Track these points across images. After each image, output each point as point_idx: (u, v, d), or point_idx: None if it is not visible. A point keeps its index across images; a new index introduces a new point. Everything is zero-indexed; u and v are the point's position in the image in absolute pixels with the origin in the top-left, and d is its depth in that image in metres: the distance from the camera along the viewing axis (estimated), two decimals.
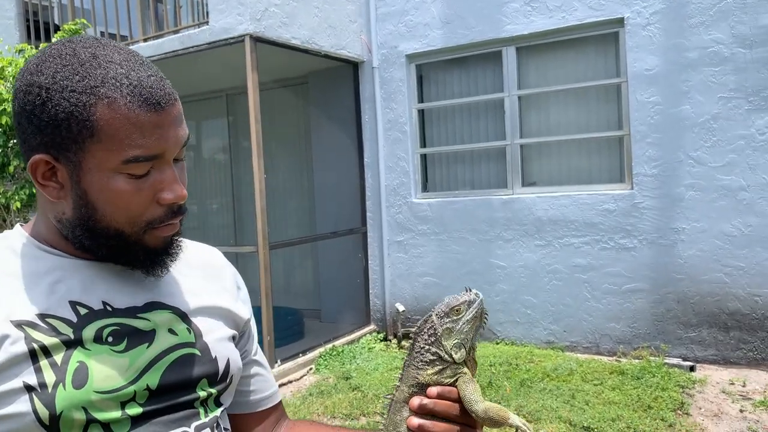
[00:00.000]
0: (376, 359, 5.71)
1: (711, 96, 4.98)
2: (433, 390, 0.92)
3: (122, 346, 0.85)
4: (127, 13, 6.19)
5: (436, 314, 0.95)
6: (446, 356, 0.93)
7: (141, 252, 0.88)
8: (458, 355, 0.93)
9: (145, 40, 6.04)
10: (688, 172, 5.11)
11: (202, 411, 0.91)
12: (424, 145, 6.49)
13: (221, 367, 0.94)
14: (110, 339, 0.84)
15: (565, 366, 5.03)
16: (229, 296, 1.03)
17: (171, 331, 0.90)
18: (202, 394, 0.91)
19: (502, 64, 5.93)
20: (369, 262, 6.73)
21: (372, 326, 6.70)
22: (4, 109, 4.66)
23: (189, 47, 5.55)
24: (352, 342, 6.25)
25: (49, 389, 0.78)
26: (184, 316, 0.93)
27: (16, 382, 0.78)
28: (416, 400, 0.91)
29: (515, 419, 0.91)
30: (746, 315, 4.95)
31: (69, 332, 0.82)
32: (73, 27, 5.22)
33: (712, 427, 4.00)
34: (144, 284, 0.92)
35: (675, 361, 5.06)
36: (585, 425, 3.95)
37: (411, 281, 6.44)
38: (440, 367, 0.93)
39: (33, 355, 0.79)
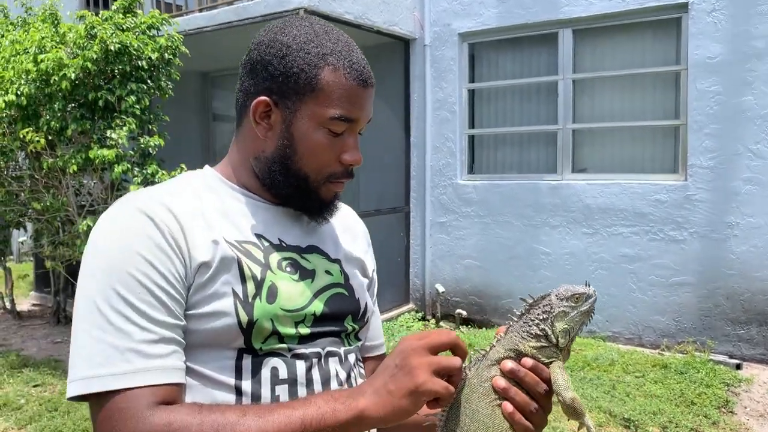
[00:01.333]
0: None
1: None
2: (528, 361, 0.94)
3: (297, 276, 1.02)
4: None
5: (556, 295, 0.98)
6: (552, 336, 0.95)
7: (315, 200, 1.05)
8: (562, 340, 0.95)
9: (200, 11, 6.09)
10: (746, 165, 4.95)
11: (346, 341, 1.07)
12: (472, 126, 6.42)
13: (362, 307, 1.11)
14: (288, 269, 1.01)
15: (607, 356, 4.98)
16: (362, 250, 1.20)
17: (327, 272, 1.07)
18: (348, 327, 1.07)
19: (557, 46, 5.81)
20: (410, 241, 6.73)
21: (411, 305, 6.72)
22: (65, 74, 4.76)
23: (244, 19, 5.58)
24: (390, 320, 6.29)
25: (250, 299, 0.94)
26: (335, 261, 1.11)
27: (225, 287, 0.93)
28: (510, 364, 0.94)
29: (589, 420, 0.94)
30: None
31: (261, 257, 0.99)
32: None
33: (758, 428, 3.91)
34: (306, 229, 1.09)
35: (721, 358, 4.96)
36: (625, 417, 3.90)
37: (452, 263, 6.42)
38: (542, 344, 0.95)
39: (240, 267, 0.95)
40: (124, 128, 4.88)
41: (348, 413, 0.86)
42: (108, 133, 4.88)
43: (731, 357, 4.99)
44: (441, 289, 6.43)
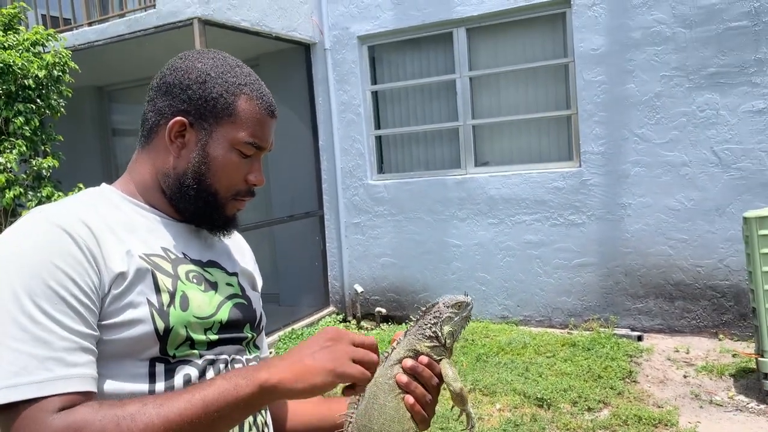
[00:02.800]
0: None
1: (654, 75, 5.13)
2: (424, 358, 1.10)
3: (203, 287, 1.07)
4: None
5: (443, 303, 1.15)
6: (441, 338, 1.11)
7: (221, 215, 1.12)
8: (449, 340, 1.12)
9: (89, 24, 5.88)
10: (633, 149, 5.28)
11: (248, 349, 1.15)
12: (378, 126, 6.52)
13: (257, 316, 1.19)
14: (194, 280, 1.07)
15: (519, 340, 5.18)
16: (251, 265, 1.29)
17: (228, 284, 1.14)
18: (248, 335, 1.14)
19: (453, 45, 5.98)
20: (327, 244, 6.76)
21: (331, 308, 6.75)
22: None
23: (136, 31, 5.44)
24: (311, 324, 6.30)
25: (165, 307, 0.99)
26: (233, 275, 1.18)
27: (141, 296, 0.97)
28: (410, 362, 1.09)
29: (470, 407, 1.13)
30: (689, 285, 5.18)
31: (169, 268, 1.04)
32: (12, 11, 5.05)
33: (658, 393, 4.19)
34: (205, 245, 1.16)
35: (624, 331, 5.27)
36: (538, 396, 4.09)
37: (369, 262, 6.50)
38: (434, 344, 1.11)
39: (154, 277, 0.99)
40: (14, 151, 4.66)
41: (250, 387, 0.90)
42: None
43: (633, 330, 5.32)
44: (360, 289, 6.49)
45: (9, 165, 4.59)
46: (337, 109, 6.48)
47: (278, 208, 6.90)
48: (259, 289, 1.27)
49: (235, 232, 1.27)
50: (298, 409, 1.27)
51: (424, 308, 1.15)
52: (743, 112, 4.90)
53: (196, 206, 1.10)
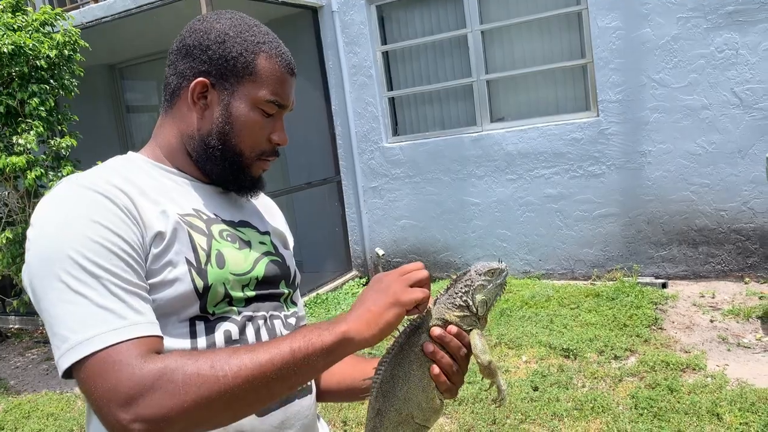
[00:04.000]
0: None
1: (670, 17, 5.00)
2: (453, 328, 1.06)
3: (238, 245, 1.09)
4: None
5: (475, 270, 1.09)
6: (473, 307, 1.07)
7: (247, 176, 1.13)
8: (481, 310, 1.08)
9: (95, 1, 5.86)
10: (651, 95, 5.18)
11: (285, 306, 1.16)
12: (391, 88, 6.46)
13: (292, 273, 1.20)
14: (228, 239, 1.08)
15: (542, 293, 5.19)
16: (282, 225, 1.31)
17: (261, 242, 1.16)
18: (284, 291, 1.16)
19: None
20: (346, 209, 6.78)
21: (354, 272, 6.80)
22: None
23: (142, 5, 5.41)
24: (335, 289, 6.36)
25: (202, 265, 1.00)
26: (265, 234, 1.19)
27: (179, 255, 0.98)
28: (438, 330, 1.05)
29: (501, 380, 1.09)
30: (713, 230, 5.12)
31: (203, 227, 1.05)
32: None
33: (685, 339, 4.19)
34: (235, 206, 1.17)
35: (648, 279, 5.25)
36: (564, 347, 4.11)
37: (389, 225, 6.51)
38: (465, 314, 1.07)
39: (189, 236, 1.01)
40: (32, 132, 4.70)
41: (332, 336, 0.91)
42: (14, 139, 4.69)
43: (657, 277, 5.30)
44: (381, 252, 6.53)
45: (29, 146, 4.64)
46: (348, 72, 6.43)
47: (295, 175, 6.91)
48: (291, 248, 1.29)
49: (263, 195, 1.29)
50: (333, 369, 1.30)
51: (455, 276, 1.11)
52: (764, 51, 4.77)
53: (222, 167, 1.11)
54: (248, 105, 1.08)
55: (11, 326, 6.63)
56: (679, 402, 3.32)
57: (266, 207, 1.30)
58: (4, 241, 4.77)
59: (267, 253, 1.14)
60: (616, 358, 3.96)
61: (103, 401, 0.83)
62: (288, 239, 1.30)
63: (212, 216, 1.09)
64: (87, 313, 0.86)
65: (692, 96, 5.03)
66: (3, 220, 5.08)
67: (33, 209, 4.91)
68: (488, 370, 1.05)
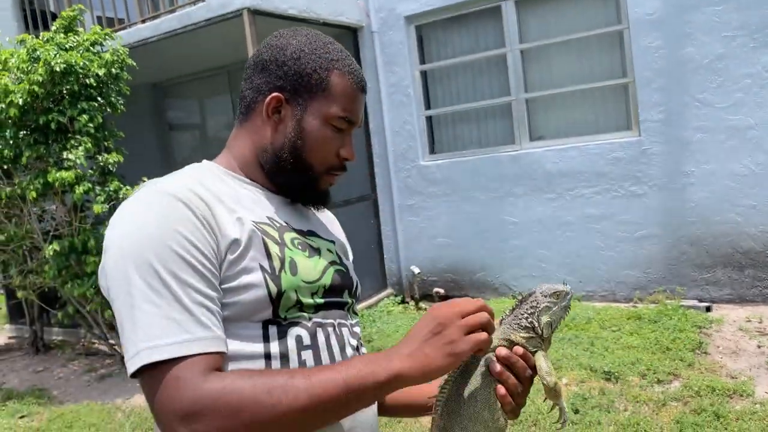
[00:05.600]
0: (395, 321, 5.81)
1: (715, 36, 4.94)
2: (519, 349, 1.06)
3: (308, 253, 1.12)
4: None
5: (541, 292, 1.12)
6: (538, 328, 1.08)
7: (315, 188, 1.17)
8: (546, 332, 1.08)
9: (143, 22, 6.03)
10: (694, 114, 5.10)
11: (349, 315, 1.19)
12: (428, 106, 6.48)
13: (355, 283, 1.23)
14: (299, 246, 1.11)
15: (583, 315, 5.11)
16: (342, 236, 1.34)
17: (328, 250, 1.19)
18: (348, 300, 1.18)
19: (501, 18, 5.88)
20: (381, 227, 6.79)
21: (389, 290, 6.79)
22: (11, 101, 4.69)
23: (187, 25, 5.55)
24: (370, 306, 6.35)
25: (276, 272, 1.03)
26: (331, 243, 1.22)
27: (254, 262, 1.01)
28: (504, 351, 1.06)
29: (563, 402, 1.09)
30: (760, 253, 4.99)
31: (276, 235, 1.08)
32: (71, 14, 5.22)
33: (731, 364, 4.07)
34: (303, 216, 1.21)
35: (691, 303, 5.13)
36: (605, 370, 4.03)
37: (424, 244, 6.50)
38: (530, 335, 1.08)
39: (264, 244, 1.04)
40: (80, 148, 4.84)
41: (385, 374, 0.92)
42: (64, 154, 4.83)
43: (701, 301, 5.17)
44: (416, 270, 6.51)
45: (78, 161, 4.77)
46: (387, 91, 6.48)
47: (333, 193, 6.90)
48: (351, 260, 1.31)
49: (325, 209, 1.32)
50: None
51: (521, 297, 1.13)
52: None
53: (292, 180, 1.14)
54: (320, 120, 1.11)
55: (54, 338, 6.77)
56: (726, 429, 3.22)
57: (328, 219, 1.34)
58: (51, 254, 4.89)
59: (333, 263, 1.17)
60: (659, 382, 3.87)
61: (163, 413, 0.87)
62: (348, 251, 1.33)
63: (284, 224, 1.12)
64: (155, 322, 0.89)
65: (738, 116, 4.94)
66: (51, 234, 5.22)
67: (80, 223, 5.04)
68: (553, 392, 1.06)
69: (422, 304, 6.46)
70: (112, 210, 5.09)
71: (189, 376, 0.87)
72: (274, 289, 1.01)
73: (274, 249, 1.05)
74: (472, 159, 6.14)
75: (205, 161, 1.18)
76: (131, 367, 0.89)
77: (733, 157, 4.99)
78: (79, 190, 4.76)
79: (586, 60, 5.68)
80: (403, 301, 6.60)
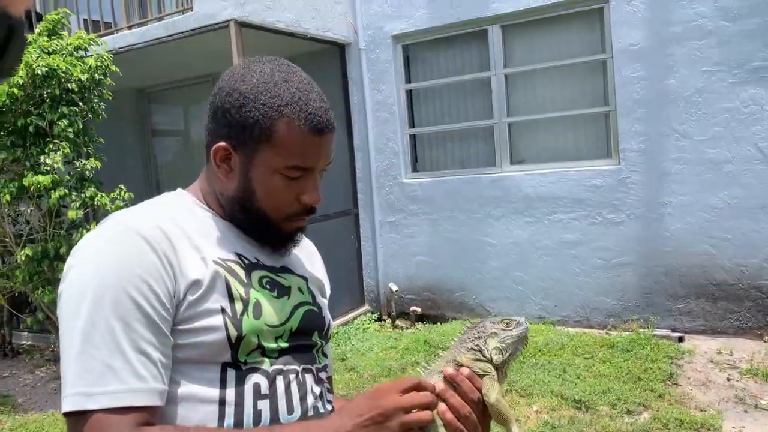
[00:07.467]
0: (370, 340, 5.79)
1: (696, 70, 5.01)
2: (465, 370, 1.08)
3: (275, 293, 1.09)
4: (110, 0, 6.12)
5: (490, 320, 1.15)
6: (486, 351, 1.10)
7: (275, 234, 1.12)
8: (495, 357, 1.10)
9: (129, 28, 6.00)
10: (674, 146, 5.16)
11: (317, 358, 1.15)
12: (413, 125, 6.51)
13: (326, 324, 1.19)
14: (267, 286, 1.08)
15: (557, 340, 5.12)
16: (320, 272, 1.29)
17: (299, 289, 1.15)
18: (317, 342, 1.15)
19: (488, 42, 5.93)
20: (361, 243, 6.78)
21: (366, 307, 6.77)
22: None
23: (173, 34, 5.52)
24: (346, 323, 6.32)
25: (238, 315, 1.00)
26: (305, 281, 1.19)
27: (215, 304, 0.99)
28: (449, 370, 1.08)
29: (516, 428, 1.08)
30: (733, 285, 5.05)
31: (243, 275, 1.05)
32: (56, 17, 5.18)
33: (701, 396, 4.10)
34: (276, 254, 1.16)
35: (664, 332, 5.16)
36: (576, 398, 4.04)
37: (404, 261, 6.50)
38: (477, 357, 1.10)
39: (227, 285, 1.01)
40: (58, 153, 4.79)
41: None
42: (41, 158, 4.77)
43: (674, 331, 5.21)
44: (395, 288, 6.50)
45: (56, 166, 4.72)
46: (372, 108, 6.49)
47: None
48: (327, 297, 1.28)
49: (306, 239, 1.28)
50: None
51: (470, 324, 1.16)
52: None
53: (251, 226, 1.11)
54: (268, 171, 1.05)
55: (24, 342, 6.66)
56: None
57: (308, 253, 1.30)
58: (24, 258, 4.82)
59: (304, 303, 1.14)
60: (629, 412, 3.88)
61: None
62: (325, 288, 1.29)
63: (253, 261, 1.09)
64: (91, 367, 0.89)
65: (716, 149, 5.01)
66: (24, 238, 5.14)
67: (54, 228, 4.96)
68: (496, 411, 1.06)
69: (398, 322, 6.45)
70: (86, 217, 5.04)
71: (117, 428, 0.87)
72: (234, 332, 0.99)
73: (239, 290, 1.02)
74: (453, 179, 6.16)
75: (179, 190, 1.17)
76: (64, 407, 0.89)
77: (710, 190, 5.05)
78: (55, 195, 4.71)
79: (569, 87, 5.74)
80: (379, 319, 6.58)
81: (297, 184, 1.07)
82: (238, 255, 1.07)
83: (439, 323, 6.15)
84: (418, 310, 6.40)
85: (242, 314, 1.00)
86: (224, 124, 1.06)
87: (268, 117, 1.03)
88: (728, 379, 4.33)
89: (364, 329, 6.18)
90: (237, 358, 1.00)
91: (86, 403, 0.88)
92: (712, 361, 4.65)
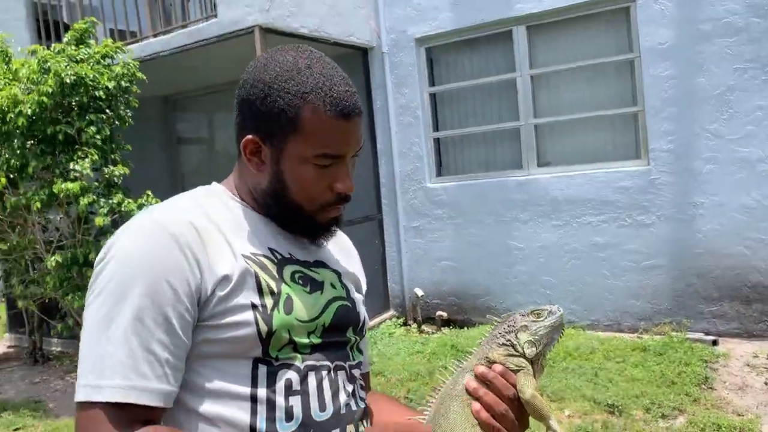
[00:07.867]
0: (396, 344, 5.75)
1: (726, 68, 4.92)
2: (498, 367, 1.05)
3: (308, 288, 1.06)
4: (136, 9, 6.20)
5: (520, 313, 1.11)
6: (518, 346, 1.07)
7: (312, 225, 1.10)
8: (528, 351, 1.06)
9: (154, 36, 6.06)
10: (705, 145, 5.06)
11: (351, 354, 1.12)
12: (437, 129, 6.47)
13: (361, 320, 1.16)
14: (300, 281, 1.06)
15: (587, 345, 5.04)
16: (356, 267, 1.27)
17: (332, 285, 1.12)
18: (351, 339, 1.12)
19: (512, 43, 5.88)
20: (386, 248, 6.75)
21: (391, 312, 6.73)
22: (20, 111, 4.70)
23: (198, 41, 5.56)
24: (372, 328, 6.29)
25: (269, 310, 0.99)
26: (339, 276, 1.16)
27: (245, 299, 0.98)
28: (481, 368, 1.05)
29: (555, 423, 1.03)
30: None
31: (274, 270, 1.03)
32: (83, 26, 5.24)
33: (738, 400, 4.00)
34: (311, 246, 1.14)
35: (697, 335, 5.05)
36: (609, 403, 3.96)
37: (429, 266, 6.45)
38: (509, 353, 1.07)
39: (257, 281, 1.00)
40: (87, 160, 4.84)
41: None
42: (71, 165, 4.83)
43: (707, 334, 5.09)
44: (420, 292, 6.45)
45: (84, 172, 4.77)
46: (395, 112, 6.47)
47: None
48: (363, 292, 1.26)
49: (341, 233, 1.26)
50: (383, 411, 1.24)
51: (500, 319, 1.12)
52: None
53: (286, 218, 1.09)
54: (298, 161, 1.03)
55: (54, 349, 6.73)
56: None
57: (344, 247, 1.27)
58: (53, 264, 4.87)
59: (338, 298, 1.11)
60: (663, 416, 3.79)
61: None
62: (361, 283, 1.26)
63: (286, 256, 1.08)
64: (102, 359, 0.91)
65: (748, 148, 4.90)
66: (54, 245, 5.20)
67: (83, 235, 5.01)
68: (532, 407, 1.02)
69: (424, 327, 6.40)
70: (114, 223, 5.08)
71: (105, 427, 0.88)
72: (264, 328, 0.98)
73: (270, 284, 1.01)
74: (478, 183, 6.10)
75: (214, 184, 1.15)
76: (77, 397, 0.91)
77: (743, 189, 4.94)
78: (84, 201, 4.75)
79: (596, 87, 5.67)
80: (405, 324, 6.54)
81: (328, 172, 1.04)
82: (271, 250, 1.06)
83: (465, 328, 6.09)
84: (444, 315, 6.34)
85: (273, 309, 0.99)
86: (251, 116, 1.04)
87: (293, 105, 1.00)
88: (766, 383, 4.22)
89: (390, 334, 6.14)
90: (268, 353, 0.99)
91: (93, 395, 0.89)
92: (748, 365, 4.54)
